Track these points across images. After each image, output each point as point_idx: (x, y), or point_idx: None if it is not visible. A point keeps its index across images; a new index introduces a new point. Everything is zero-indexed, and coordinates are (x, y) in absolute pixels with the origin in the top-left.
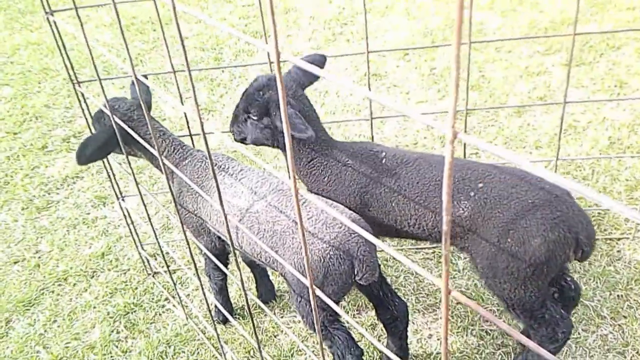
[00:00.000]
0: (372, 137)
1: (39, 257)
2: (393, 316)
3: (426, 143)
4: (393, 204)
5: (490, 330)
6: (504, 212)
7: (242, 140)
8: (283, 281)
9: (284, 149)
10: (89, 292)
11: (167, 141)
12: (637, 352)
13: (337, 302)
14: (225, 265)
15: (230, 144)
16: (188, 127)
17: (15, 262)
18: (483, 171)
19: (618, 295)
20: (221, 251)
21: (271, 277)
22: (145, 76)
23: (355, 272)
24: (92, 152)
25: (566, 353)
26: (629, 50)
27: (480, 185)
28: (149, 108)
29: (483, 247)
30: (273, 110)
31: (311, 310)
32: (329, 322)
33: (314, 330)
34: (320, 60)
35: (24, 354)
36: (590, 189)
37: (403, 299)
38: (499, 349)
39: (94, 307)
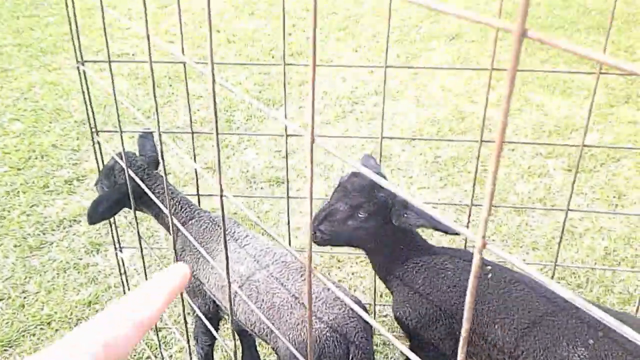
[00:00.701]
0: None
1: (25, 298)
2: None
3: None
4: (496, 327)
5: None
6: None
7: (326, 243)
8: (270, 353)
9: (372, 251)
10: None
11: (175, 199)
12: None
13: None
14: (216, 330)
15: (232, 206)
16: (197, 186)
17: (0, 300)
18: (601, 318)
19: None
20: (214, 315)
21: (258, 349)
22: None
23: (350, 357)
24: (104, 211)
25: None
26: (629, 163)
27: (601, 334)
28: (156, 164)
29: None
30: (391, 210)
31: None
32: None
33: None
34: (376, 168)
35: None
36: (585, 301)
37: None
38: None
39: None
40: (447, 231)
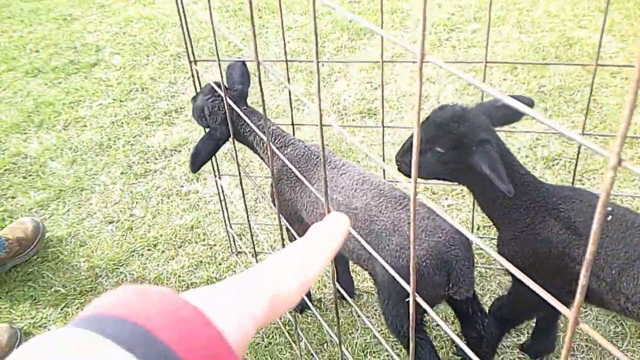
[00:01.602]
0: None
1: (132, 221)
2: (479, 335)
3: (527, 162)
4: (613, 272)
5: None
6: None
7: (409, 175)
8: (363, 280)
9: (469, 186)
10: (175, 261)
11: (270, 129)
12: None
13: (424, 311)
14: None
15: (324, 137)
16: (292, 114)
17: (110, 222)
18: None
19: None
20: None
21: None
22: (244, 62)
23: (450, 285)
24: (203, 159)
25: None
26: None
27: None
28: (245, 97)
29: None
30: (471, 148)
31: (397, 315)
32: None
33: (399, 335)
34: (528, 101)
35: None
36: None
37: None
38: None
39: (179, 276)
40: (500, 187)
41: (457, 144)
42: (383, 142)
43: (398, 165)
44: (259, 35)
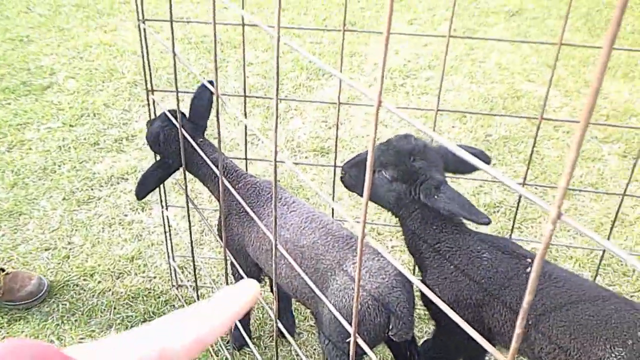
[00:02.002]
0: None
1: (70, 249)
2: None
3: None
4: (530, 322)
5: None
6: None
7: (349, 187)
8: (304, 319)
9: (404, 218)
10: (111, 292)
11: (222, 163)
12: None
13: (363, 352)
14: None
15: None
16: (245, 149)
17: (46, 250)
18: None
19: None
20: (256, 277)
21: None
22: (212, 93)
23: (390, 327)
24: (150, 188)
25: None
26: None
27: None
28: (203, 130)
29: None
30: (429, 187)
31: (337, 356)
32: None
33: None
34: (481, 154)
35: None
36: None
37: None
38: None
39: (114, 308)
40: (477, 221)
41: (407, 177)
42: (334, 181)
43: (342, 174)
44: (220, 68)
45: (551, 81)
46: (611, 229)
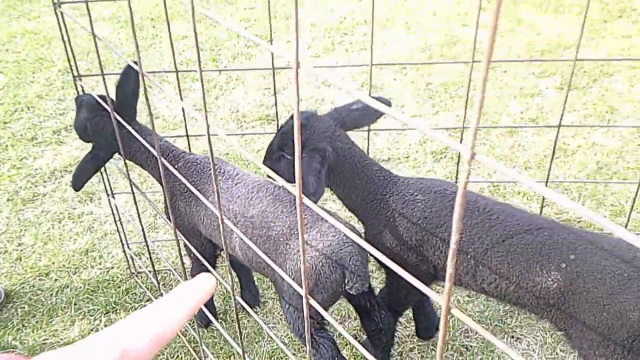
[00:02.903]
0: (368, 149)
1: (22, 250)
2: (378, 328)
3: (417, 157)
4: (469, 256)
5: (470, 346)
6: (599, 286)
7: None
8: (267, 287)
9: (330, 188)
10: (70, 289)
11: (159, 144)
12: None
13: (325, 310)
14: (214, 268)
15: (223, 147)
16: (186, 126)
17: None
18: (574, 241)
19: None
20: (210, 255)
21: (256, 283)
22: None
23: (346, 282)
24: (86, 178)
25: None
26: (622, 78)
27: (572, 257)
28: (134, 110)
29: (574, 321)
30: (306, 153)
31: (299, 318)
32: (315, 330)
33: (301, 338)
34: (387, 102)
35: None
36: (595, 214)
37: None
38: None
39: (75, 304)
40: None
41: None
42: None
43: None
44: (152, 45)
45: (478, 24)
46: (551, 160)
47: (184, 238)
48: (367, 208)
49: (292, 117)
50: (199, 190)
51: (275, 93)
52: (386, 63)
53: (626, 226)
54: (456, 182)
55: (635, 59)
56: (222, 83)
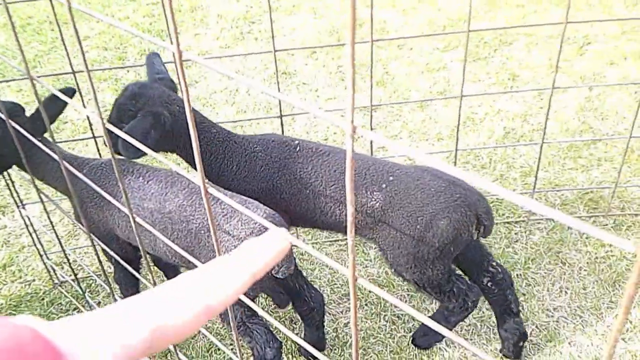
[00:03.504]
0: (283, 133)
1: None
2: (309, 307)
3: (336, 139)
4: (307, 191)
5: (401, 314)
6: (412, 201)
7: (119, 152)
8: None
9: (180, 154)
10: None
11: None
12: (536, 326)
13: (255, 297)
14: (137, 270)
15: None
16: (91, 129)
17: None
18: (392, 166)
19: (517, 275)
20: (133, 256)
21: None
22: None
23: (272, 267)
24: None
25: (472, 332)
26: (520, 45)
27: (391, 178)
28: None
29: (393, 235)
30: (141, 115)
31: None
32: (247, 317)
33: (231, 327)
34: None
35: None
36: (483, 179)
37: (319, 290)
38: (410, 331)
39: None
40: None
41: (143, 122)
42: None
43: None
44: (54, 48)
45: (372, 4)
46: (457, 130)
47: (101, 244)
48: (215, 166)
49: (126, 89)
50: (108, 194)
51: (186, 87)
52: (289, 48)
53: (534, 185)
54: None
55: (529, 25)
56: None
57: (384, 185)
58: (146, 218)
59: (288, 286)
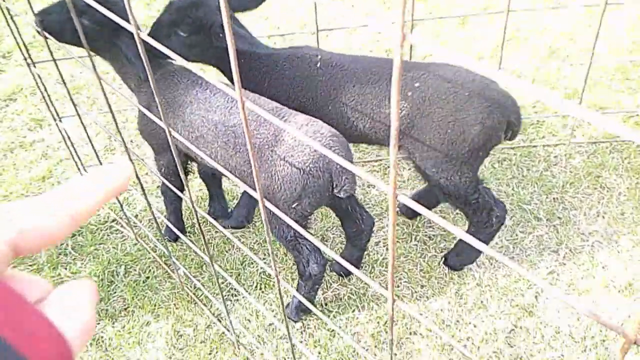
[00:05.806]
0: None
1: None
2: (359, 229)
3: (372, 55)
4: (330, 108)
5: (433, 235)
6: (443, 107)
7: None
8: (232, 199)
9: (215, 65)
10: None
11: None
12: (570, 250)
13: (310, 214)
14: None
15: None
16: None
17: None
18: (418, 70)
19: (554, 198)
20: (183, 169)
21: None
22: None
23: (334, 185)
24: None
25: (504, 253)
26: None
27: (417, 84)
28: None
29: (422, 141)
30: (215, 30)
31: (283, 223)
32: (299, 234)
33: (285, 241)
34: None
35: None
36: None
37: (370, 214)
38: (441, 252)
39: None
40: (257, 50)
41: (195, 29)
42: None
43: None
44: None
45: None
46: (502, 47)
47: (154, 154)
48: (251, 77)
49: None
50: (177, 102)
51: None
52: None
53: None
54: None
55: None
56: None
57: (409, 94)
58: (210, 130)
59: (340, 206)
